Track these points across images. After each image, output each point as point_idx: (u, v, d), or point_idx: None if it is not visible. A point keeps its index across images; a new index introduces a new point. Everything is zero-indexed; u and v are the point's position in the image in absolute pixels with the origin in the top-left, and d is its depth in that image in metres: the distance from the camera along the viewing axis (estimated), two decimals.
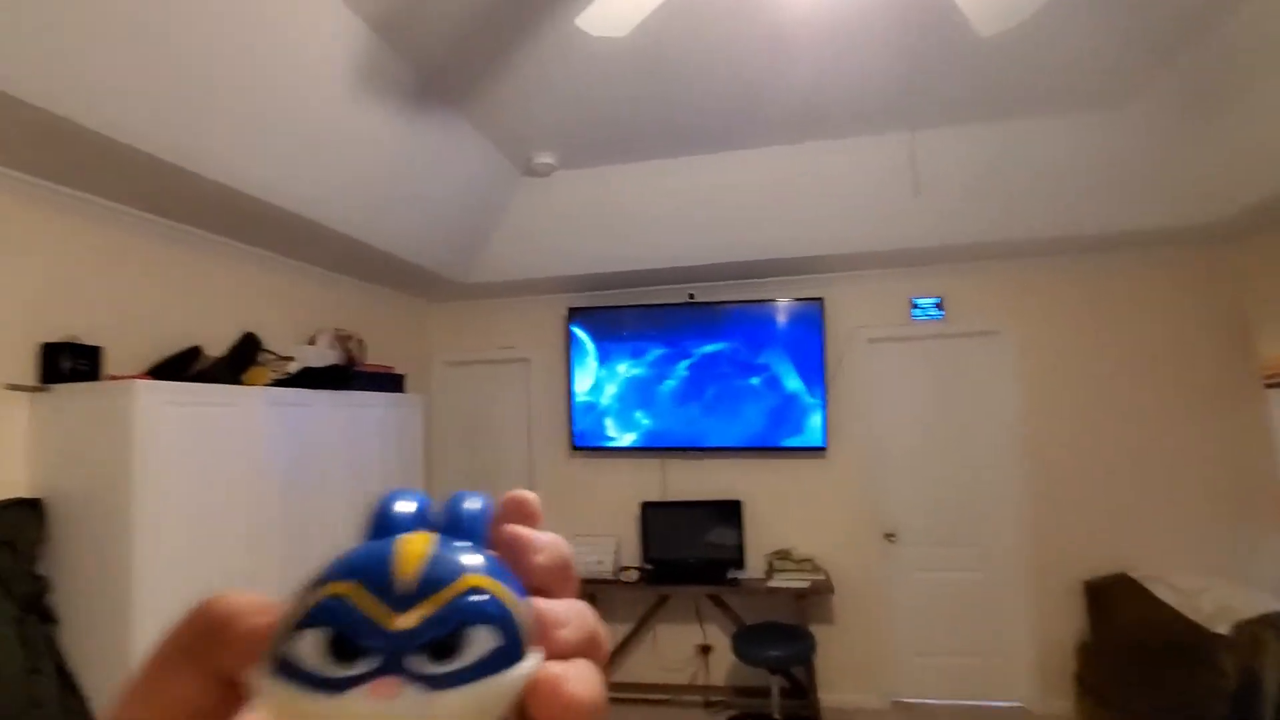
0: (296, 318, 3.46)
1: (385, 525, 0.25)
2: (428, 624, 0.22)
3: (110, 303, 2.51)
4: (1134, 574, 3.45)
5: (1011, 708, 3.70)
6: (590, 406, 4.20)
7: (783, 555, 3.87)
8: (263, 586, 2.40)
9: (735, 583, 3.76)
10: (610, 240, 3.80)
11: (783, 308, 4.01)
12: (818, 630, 3.66)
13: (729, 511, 3.98)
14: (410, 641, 0.21)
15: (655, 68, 2.57)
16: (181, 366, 2.64)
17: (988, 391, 3.89)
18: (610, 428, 4.18)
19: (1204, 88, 2.66)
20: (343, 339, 3.60)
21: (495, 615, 0.23)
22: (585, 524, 4.20)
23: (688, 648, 4.08)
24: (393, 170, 2.94)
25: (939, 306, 3.94)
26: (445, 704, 0.21)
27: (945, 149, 3.14)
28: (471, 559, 0.24)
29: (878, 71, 2.63)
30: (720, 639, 4.01)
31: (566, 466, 4.35)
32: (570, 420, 4.25)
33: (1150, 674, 3.11)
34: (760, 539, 3.98)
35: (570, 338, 4.23)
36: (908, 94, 2.82)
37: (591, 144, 3.23)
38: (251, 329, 3.00)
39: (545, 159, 3.33)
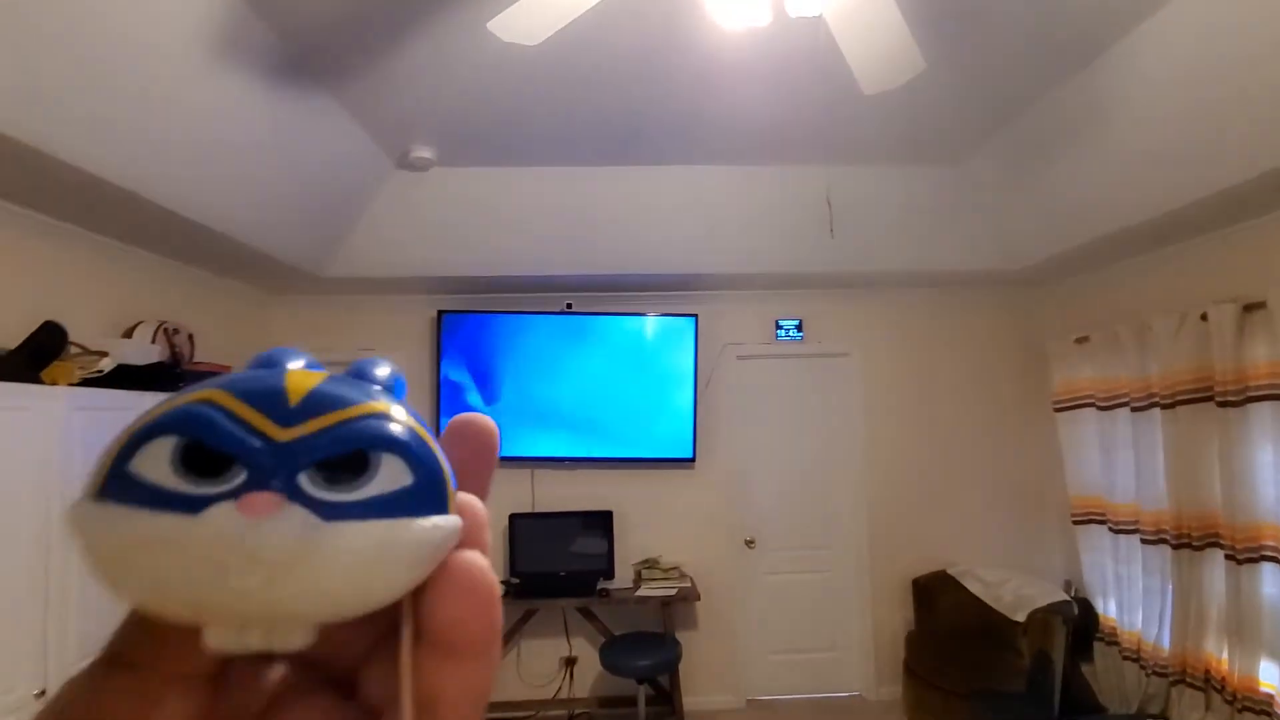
0: (110, 306, 2.96)
1: (265, 360, 0.21)
2: (321, 436, 0.18)
3: None
4: (951, 570, 3.93)
5: (851, 697, 4.05)
6: (461, 409, 4.00)
7: (650, 564, 3.94)
8: (58, 619, 2.03)
9: (605, 594, 3.77)
10: (487, 243, 3.66)
11: (658, 322, 4.09)
12: (682, 636, 3.76)
13: (599, 522, 3.99)
14: (297, 455, 0.18)
15: (554, 76, 2.51)
16: None
17: (838, 408, 4.24)
18: None
19: (1019, 158, 3.10)
20: (168, 333, 3.14)
21: (409, 447, 0.20)
22: None
23: (553, 661, 4.03)
24: (245, 148, 2.61)
25: (799, 328, 4.24)
26: (339, 537, 0.17)
27: (809, 186, 3.39)
28: (382, 394, 0.21)
29: (762, 109, 2.77)
30: (586, 650, 3.99)
31: None
32: (437, 429, 4.01)
33: (963, 657, 3.55)
34: (629, 549, 4.02)
35: (440, 342, 4.01)
36: (783, 133, 3.00)
37: (475, 143, 3.09)
38: (50, 316, 2.52)
39: (423, 153, 3.14)
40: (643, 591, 3.75)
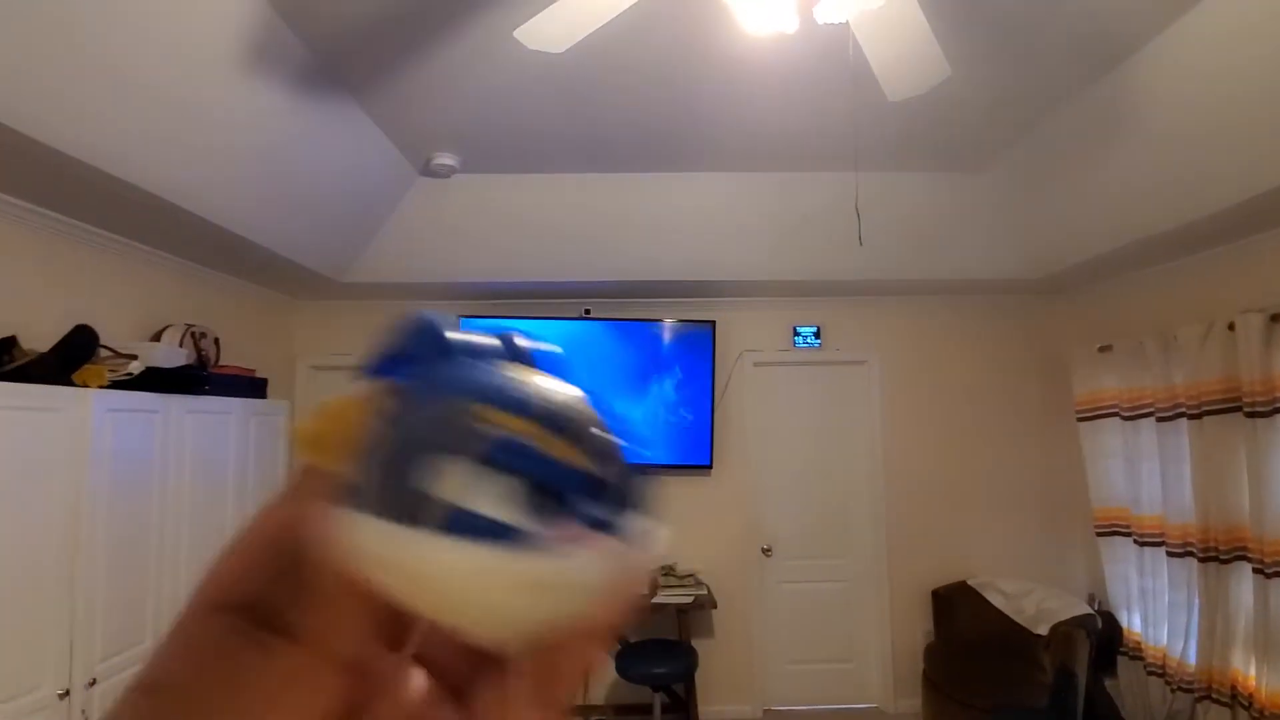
0: (139, 310, 3.02)
1: (455, 350, 0.20)
2: (627, 472, 0.18)
3: None
4: (972, 581, 3.88)
5: (869, 709, 4.00)
6: None
7: (667, 571, 3.93)
8: (84, 617, 2.06)
9: None
10: (507, 249, 3.69)
11: (676, 328, 4.10)
12: (698, 644, 3.75)
13: None
14: (619, 492, 0.18)
15: (578, 83, 2.54)
16: None
17: (856, 415, 4.22)
18: None
19: (1043, 166, 3.08)
20: (195, 336, 3.19)
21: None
22: None
23: None
24: (272, 155, 2.66)
25: (817, 335, 4.22)
26: (639, 557, 0.18)
27: (830, 193, 3.38)
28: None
29: (783, 116, 2.78)
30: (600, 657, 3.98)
31: None
32: None
33: (984, 670, 3.50)
34: None
35: None
36: (804, 140, 3.01)
37: (498, 150, 3.12)
38: (82, 320, 2.57)
39: (446, 160, 3.17)
40: (659, 599, 3.73)
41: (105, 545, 2.34)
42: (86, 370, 2.46)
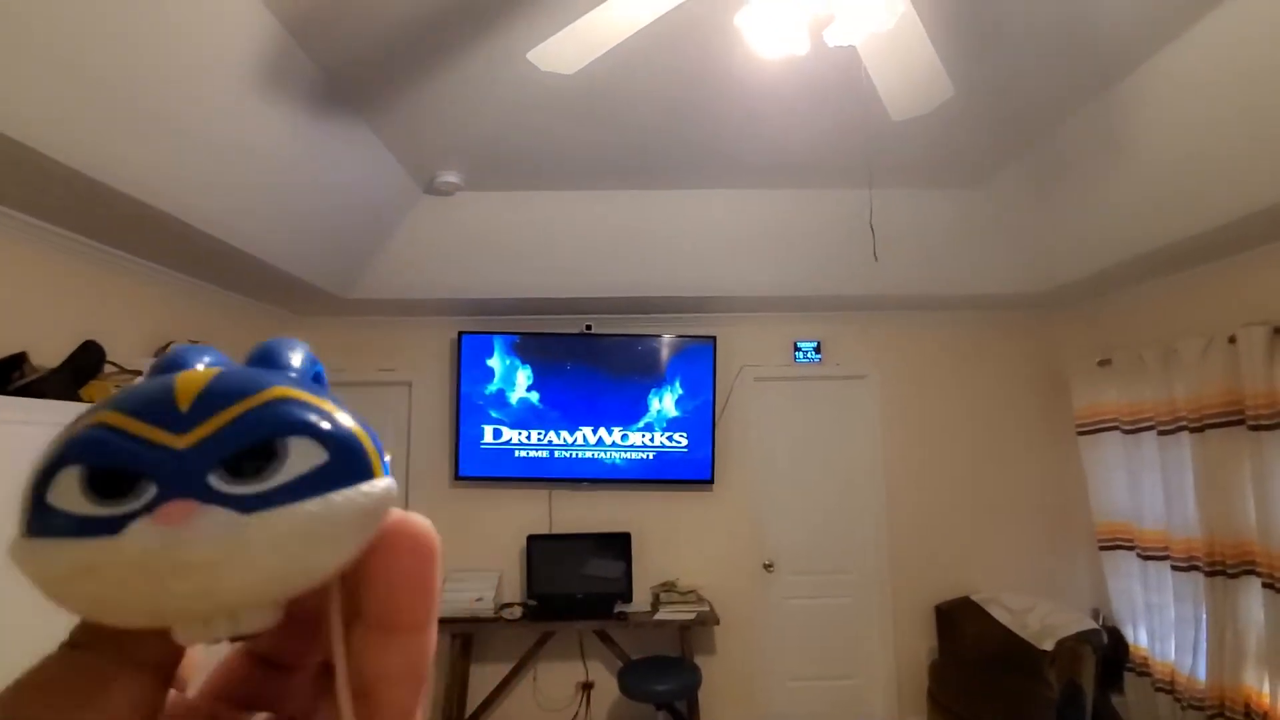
0: (143, 326, 3.02)
1: (169, 369, 0.21)
2: (221, 434, 0.18)
3: None
4: (975, 596, 3.87)
5: None
6: (477, 433, 4.03)
7: (668, 587, 3.91)
8: None
9: (623, 617, 3.73)
10: (509, 265, 3.71)
11: (677, 344, 4.11)
12: (701, 661, 3.72)
13: (617, 544, 3.97)
14: (200, 458, 0.18)
15: (583, 103, 2.57)
16: (2, 376, 2.21)
17: (857, 430, 4.23)
18: (495, 451, 4.03)
19: (1043, 181, 3.12)
20: None
21: (315, 426, 0.19)
22: (467, 558, 4.00)
23: (569, 686, 3.99)
24: (279, 173, 2.68)
25: (818, 350, 4.24)
26: (264, 526, 0.18)
27: (832, 209, 3.42)
28: (282, 378, 0.21)
29: (785, 133, 2.82)
30: (603, 675, 3.95)
31: (448, 497, 4.12)
32: (455, 448, 4.05)
33: (989, 686, 3.48)
34: (647, 571, 4.00)
35: (460, 362, 4.05)
36: (806, 157, 3.04)
37: (501, 168, 3.15)
38: (89, 336, 2.57)
39: (450, 178, 3.20)
40: (661, 615, 3.72)
41: None
42: (93, 386, 2.46)
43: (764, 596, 4.08)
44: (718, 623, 3.74)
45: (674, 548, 4.08)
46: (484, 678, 3.89)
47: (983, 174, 3.24)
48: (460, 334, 4.06)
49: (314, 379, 0.22)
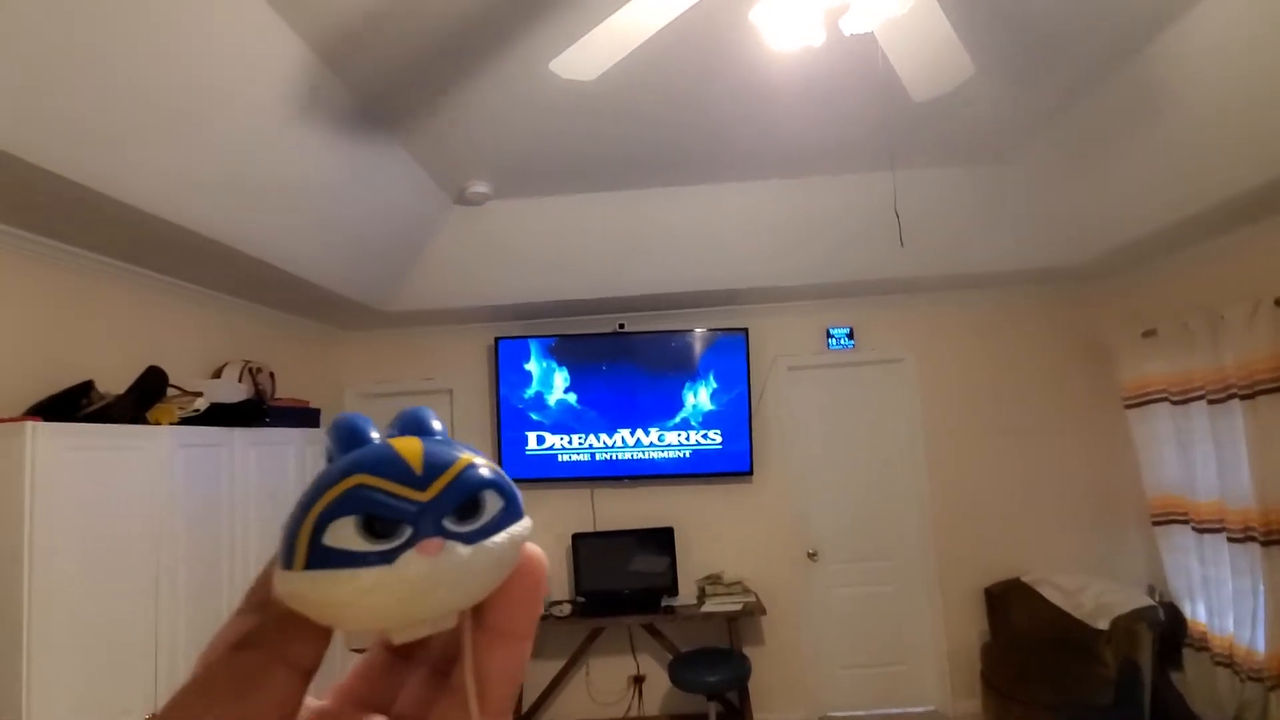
0: (200, 349, 3.18)
1: (356, 439, 0.28)
2: (449, 492, 0.26)
3: None
4: (1026, 578, 3.82)
5: (927, 711, 3.95)
6: (519, 437, 4.13)
7: (714, 580, 3.95)
8: (168, 643, 2.17)
9: (670, 610, 3.79)
10: (541, 270, 3.79)
11: (710, 337, 4.14)
12: (750, 651, 3.75)
13: (661, 539, 4.02)
14: (440, 508, 0.25)
15: (607, 106, 2.62)
16: (71, 403, 2.35)
17: (895, 414, 4.20)
18: (539, 457, 4.12)
19: (1074, 151, 3.07)
20: (252, 372, 3.34)
21: (498, 482, 0.27)
22: None
23: (621, 679, 4.05)
24: (321, 197, 2.79)
25: (850, 336, 4.23)
26: (480, 553, 0.25)
27: (859, 194, 3.41)
28: (460, 448, 0.28)
29: (809, 121, 2.83)
30: (653, 668, 4.01)
31: None
32: (497, 452, 4.15)
33: (1044, 668, 3.44)
34: (691, 565, 4.04)
35: (498, 367, 4.15)
36: (832, 143, 3.04)
37: (529, 175, 3.22)
38: (149, 361, 2.72)
39: (480, 188, 3.29)
40: (708, 608, 3.76)
41: (184, 574, 2.46)
42: (159, 409, 2.61)
43: (809, 586, 4.09)
44: (764, 613, 3.76)
45: (717, 540, 4.12)
46: (538, 674, 3.98)
47: (1010, 148, 3.19)
48: (497, 339, 4.16)
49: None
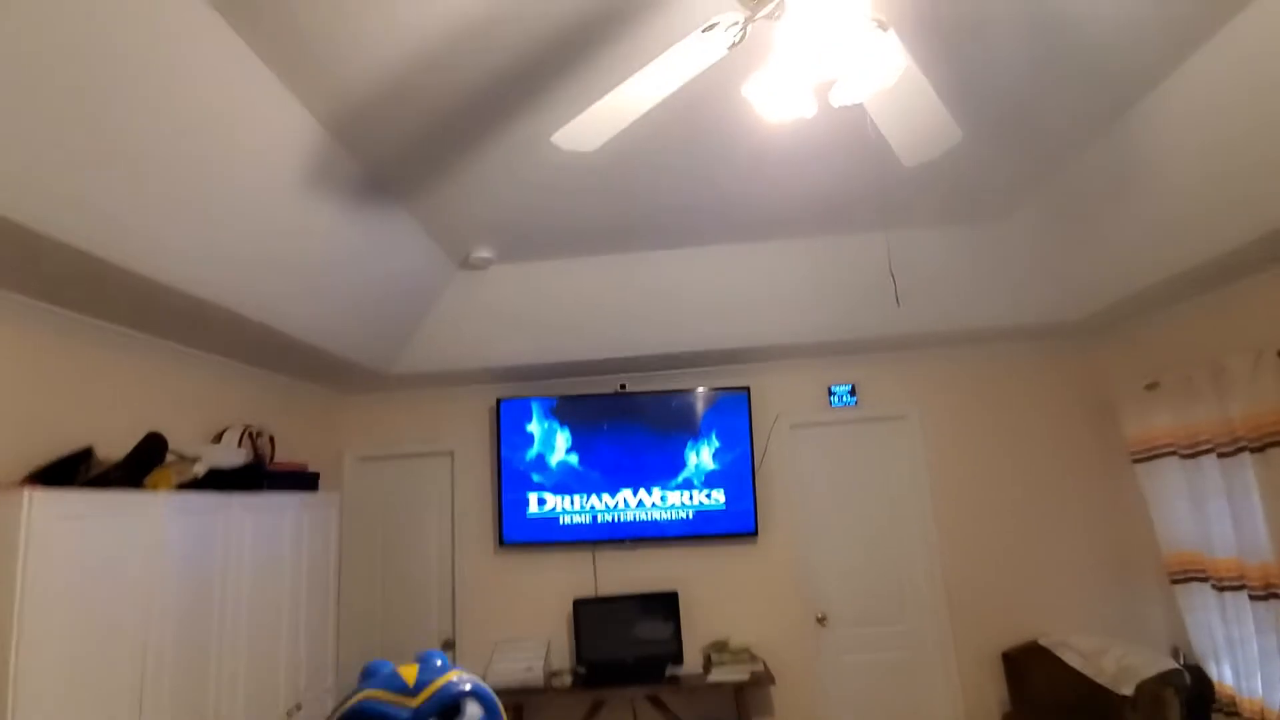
0: (199, 413, 3.17)
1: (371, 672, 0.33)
2: (434, 699, 0.31)
3: None
4: (1043, 640, 3.69)
5: None
6: (520, 499, 4.07)
7: (720, 646, 3.82)
8: (152, 713, 2.09)
9: (674, 680, 3.65)
10: (543, 332, 3.82)
11: (711, 396, 4.14)
12: None
13: (665, 604, 3.91)
14: (426, 712, 0.30)
15: (607, 175, 2.70)
16: (71, 470, 2.33)
17: (900, 472, 4.15)
18: (540, 520, 4.05)
19: (1069, 209, 3.14)
20: (252, 436, 3.33)
21: (478, 691, 0.32)
22: (514, 626, 3.98)
23: None
24: (326, 263, 2.85)
25: (852, 393, 4.22)
26: None
27: (858, 254, 3.47)
28: (451, 669, 0.32)
29: (808, 185, 2.91)
30: None
31: (493, 564, 4.14)
32: (499, 514, 4.09)
33: None
34: (696, 630, 3.92)
35: (499, 428, 4.13)
36: (829, 205, 3.12)
37: (531, 240, 3.29)
38: (149, 426, 2.71)
39: (483, 254, 3.35)
40: (714, 677, 3.62)
41: (173, 641, 2.39)
42: (157, 475, 2.58)
43: (819, 652, 3.95)
44: (773, 682, 3.62)
45: (723, 605, 4.00)
46: None
47: (1004, 207, 3.27)
48: (499, 400, 4.16)
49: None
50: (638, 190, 2.87)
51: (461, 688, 0.33)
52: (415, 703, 0.32)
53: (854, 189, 2.96)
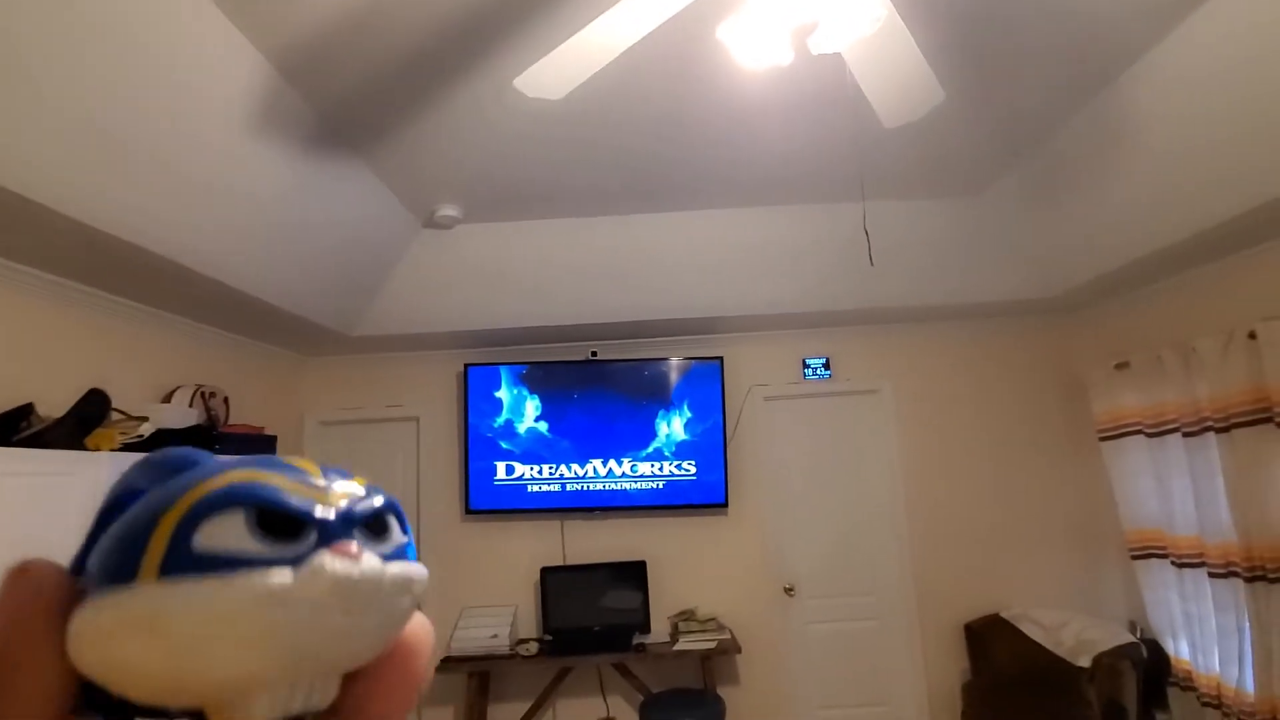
0: (150, 372, 3.03)
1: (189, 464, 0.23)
2: (356, 502, 0.22)
3: None
4: (1005, 613, 3.74)
5: None
6: (488, 466, 3.99)
7: (687, 616, 3.82)
8: None
9: (641, 649, 3.64)
10: (511, 296, 3.71)
11: (684, 366, 4.07)
12: (725, 691, 3.61)
13: (633, 573, 3.89)
14: (349, 517, 0.21)
15: (577, 129, 2.58)
16: (9, 427, 2.22)
17: (872, 446, 4.14)
18: (508, 488, 3.99)
19: (1044, 184, 3.09)
20: (205, 396, 3.19)
21: (399, 511, 0.24)
22: (480, 593, 3.93)
23: None
24: (280, 215, 2.70)
25: (826, 366, 4.18)
26: (395, 578, 0.21)
27: (833, 223, 3.39)
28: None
29: (783, 148, 2.81)
30: (624, 709, 3.84)
31: (459, 532, 4.07)
32: (465, 481, 4.01)
33: (1026, 707, 3.34)
34: (664, 600, 3.91)
35: (467, 395, 4.03)
36: (805, 171, 3.03)
37: (499, 198, 3.17)
38: (96, 384, 2.58)
39: (449, 211, 3.22)
40: (681, 645, 3.61)
41: None
42: (99, 434, 2.46)
43: (786, 622, 3.97)
44: (739, 651, 3.63)
45: (691, 575, 3.99)
46: (502, 716, 3.79)
47: (980, 181, 3.21)
48: (467, 366, 4.05)
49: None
50: (608, 147, 2.75)
51: (388, 498, 0.23)
52: (331, 500, 0.21)
53: (832, 152, 2.87)
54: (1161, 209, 2.71)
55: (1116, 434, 3.53)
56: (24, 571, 0.19)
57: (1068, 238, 3.28)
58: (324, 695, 0.20)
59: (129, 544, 0.19)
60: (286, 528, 0.19)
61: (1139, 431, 3.40)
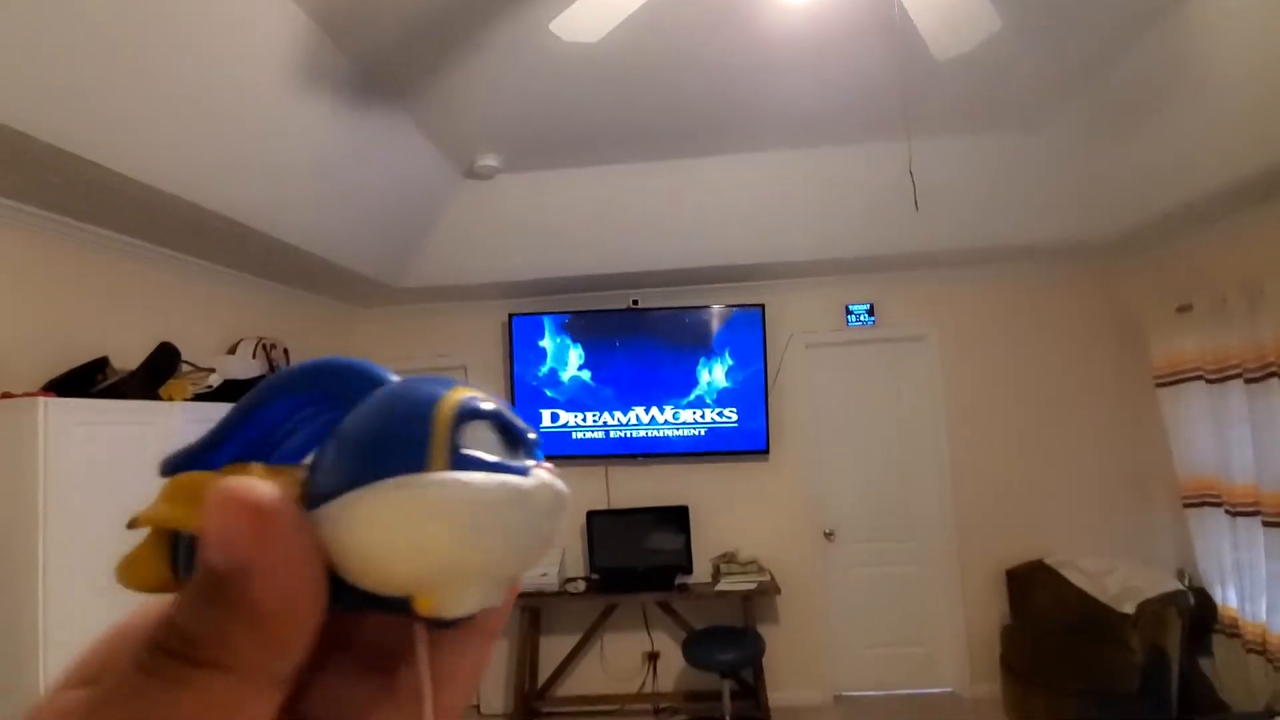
0: (215, 326, 3.19)
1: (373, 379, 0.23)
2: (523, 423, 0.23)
3: (2, 310, 2.23)
4: (1049, 560, 3.73)
5: (944, 693, 3.90)
6: (534, 414, 4.11)
7: (729, 558, 3.92)
8: None
9: (684, 588, 3.77)
10: (552, 245, 3.74)
11: (725, 314, 4.07)
12: (764, 630, 3.73)
13: (676, 517, 4.00)
14: (537, 438, 0.23)
15: (614, 73, 2.55)
16: (87, 380, 2.38)
17: (916, 393, 4.10)
18: (553, 435, 4.11)
19: (1105, 118, 2.92)
20: (266, 348, 3.35)
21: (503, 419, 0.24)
22: None
23: (635, 656, 4.06)
24: (327, 171, 2.76)
25: (870, 312, 4.12)
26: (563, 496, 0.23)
27: (880, 164, 3.29)
28: None
29: (827, 87, 2.72)
30: (668, 645, 4.01)
31: None
32: None
33: (1067, 652, 3.36)
34: (706, 543, 4.02)
35: (512, 343, 4.13)
36: (850, 110, 2.93)
37: (538, 147, 3.16)
38: (165, 338, 2.74)
39: (489, 161, 3.23)
40: (722, 586, 3.73)
41: None
42: (171, 385, 2.62)
43: (826, 566, 4.05)
44: (779, 592, 3.73)
45: (733, 519, 4.08)
46: (553, 649, 4.01)
47: (1035, 116, 3.05)
48: (511, 315, 4.13)
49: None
50: (647, 89, 2.71)
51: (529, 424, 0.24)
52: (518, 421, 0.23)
53: (877, 89, 2.76)
54: (1231, 141, 2.54)
55: (1175, 380, 3.41)
56: (246, 497, 0.18)
57: (1129, 174, 3.11)
58: (500, 597, 0.22)
59: (406, 437, 0.20)
60: (517, 441, 0.22)
61: (1199, 377, 3.27)
